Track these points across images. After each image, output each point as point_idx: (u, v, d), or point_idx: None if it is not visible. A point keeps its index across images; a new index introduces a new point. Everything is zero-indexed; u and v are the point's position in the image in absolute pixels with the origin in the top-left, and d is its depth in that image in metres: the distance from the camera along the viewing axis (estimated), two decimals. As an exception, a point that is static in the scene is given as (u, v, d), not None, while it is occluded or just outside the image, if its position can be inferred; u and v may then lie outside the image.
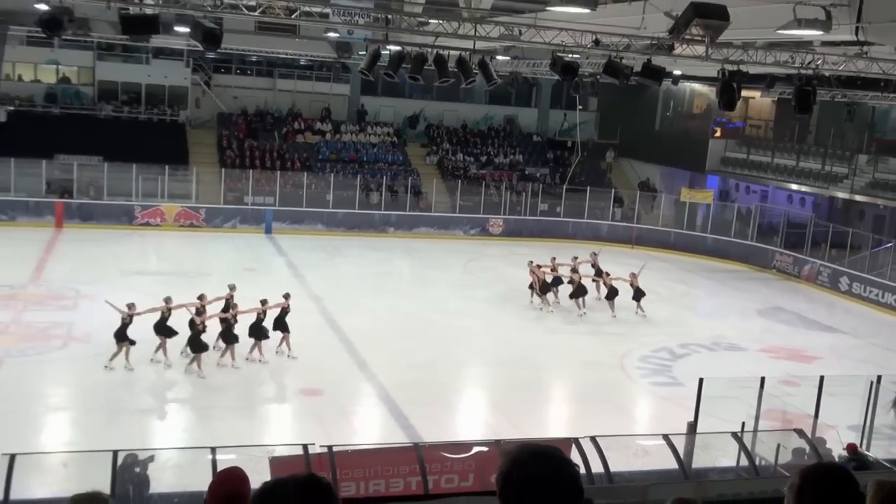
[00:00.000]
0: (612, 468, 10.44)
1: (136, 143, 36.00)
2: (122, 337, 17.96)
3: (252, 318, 19.01)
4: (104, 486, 9.97)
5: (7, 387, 16.91)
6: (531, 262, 26.14)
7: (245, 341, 18.88)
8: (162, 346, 18.40)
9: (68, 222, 33.26)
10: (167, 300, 18.68)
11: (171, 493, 11.00)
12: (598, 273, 26.82)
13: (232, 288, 19.73)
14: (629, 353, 21.86)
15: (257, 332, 19.00)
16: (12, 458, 9.38)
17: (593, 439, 10.50)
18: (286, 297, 19.56)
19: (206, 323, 18.34)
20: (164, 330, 18.40)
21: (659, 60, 17.62)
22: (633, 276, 25.68)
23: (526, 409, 17.81)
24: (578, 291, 25.07)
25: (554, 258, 26.61)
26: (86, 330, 20.59)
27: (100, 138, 35.79)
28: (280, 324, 19.38)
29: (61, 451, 13.64)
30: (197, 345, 18.07)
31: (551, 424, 17.54)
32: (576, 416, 17.76)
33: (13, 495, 9.15)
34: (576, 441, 10.35)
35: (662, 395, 19.18)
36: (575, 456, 10.01)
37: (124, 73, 40.31)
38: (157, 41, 27.99)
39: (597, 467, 10.23)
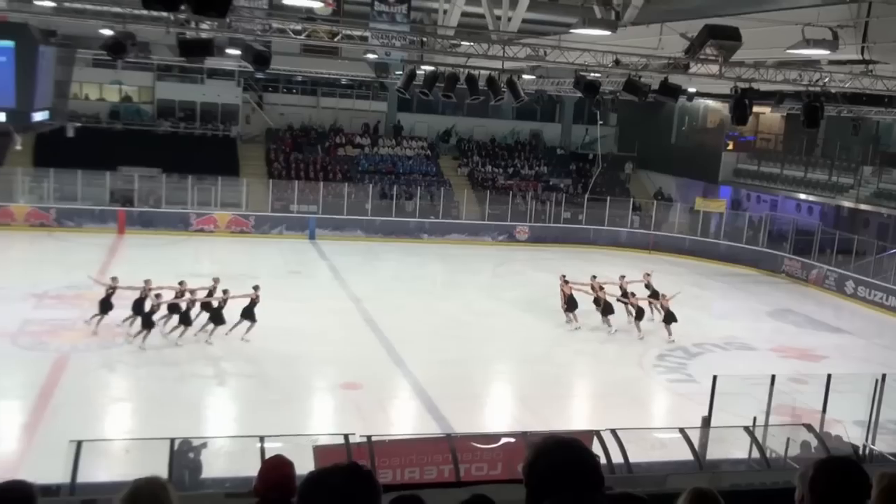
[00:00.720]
0: (632, 459, 10.38)
1: (192, 156, 36.34)
2: (105, 307, 19.91)
3: (244, 303, 20.24)
4: (162, 471, 10.06)
5: (74, 379, 17.19)
6: (563, 276, 24.12)
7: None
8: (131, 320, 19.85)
9: (130, 229, 33.64)
10: (147, 282, 20.02)
11: (223, 478, 11.03)
12: (654, 295, 24.24)
13: (216, 280, 20.83)
14: (647, 352, 21.71)
15: (217, 318, 19.95)
16: (79, 444, 9.47)
17: (613, 432, 10.44)
18: (255, 288, 20.44)
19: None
20: (137, 309, 19.73)
21: (675, 79, 17.51)
22: (665, 298, 23.32)
23: (550, 403, 17.76)
24: (606, 310, 23.07)
25: (594, 276, 24.38)
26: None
27: (158, 152, 36.15)
28: (248, 313, 20.14)
29: (123, 438, 13.79)
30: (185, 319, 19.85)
31: (574, 418, 17.47)
32: (597, 411, 17.66)
33: (79, 479, 9.24)
34: (597, 433, 10.30)
35: (678, 392, 19.03)
36: (596, 447, 9.96)
37: (181, 93, 40.70)
38: (211, 63, 28.24)
39: (617, 458, 10.17)
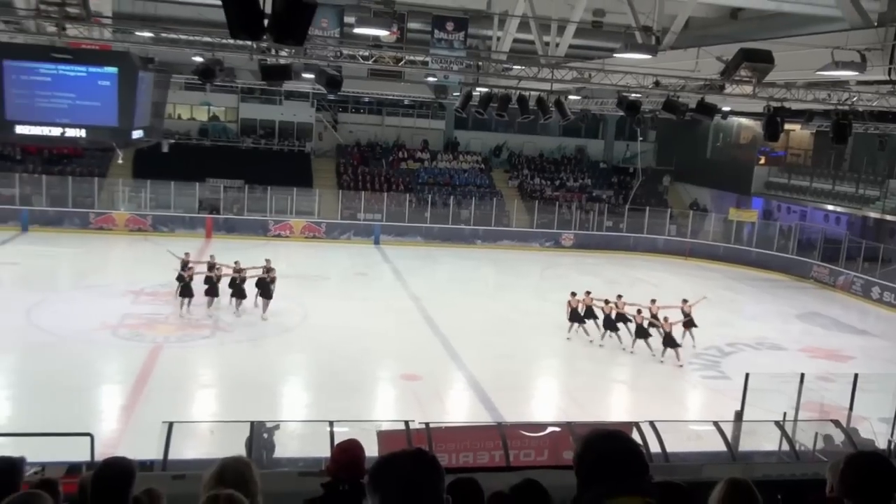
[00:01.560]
0: (669, 449, 10.20)
1: (271, 169, 36.89)
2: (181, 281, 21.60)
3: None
4: (242, 450, 10.20)
5: (166, 367, 17.49)
6: (588, 293, 21.77)
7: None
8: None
9: (216, 234, 34.24)
10: (212, 256, 22.75)
11: (296, 458, 11.10)
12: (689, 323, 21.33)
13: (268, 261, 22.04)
14: (682, 351, 21.31)
15: (239, 292, 21.52)
16: (170, 425, 9.59)
17: (652, 423, 10.27)
18: (267, 261, 21.82)
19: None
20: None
21: (711, 98, 17.20)
22: (687, 304, 21.42)
23: (592, 396, 17.57)
24: (642, 333, 20.50)
25: (620, 296, 21.44)
26: (229, 321, 21.15)
27: (241, 165, 36.76)
28: (263, 288, 21.50)
29: (208, 420, 13.97)
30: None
31: (614, 409, 17.23)
32: (636, 403, 17.39)
33: (170, 456, 9.40)
34: (636, 425, 10.13)
35: (712, 388, 18.65)
36: (636, 437, 9.83)
37: (262, 112, 41.37)
38: (289, 85, 28.62)
39: (655, 448, 10.01)
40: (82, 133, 13.01)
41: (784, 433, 11.55)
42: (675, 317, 20.89)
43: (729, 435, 11.12)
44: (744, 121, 36.98)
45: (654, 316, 20.64)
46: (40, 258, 28.49)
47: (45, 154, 35.66)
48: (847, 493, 2.71)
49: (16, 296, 22.48)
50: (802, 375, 13.17)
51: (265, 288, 21.48)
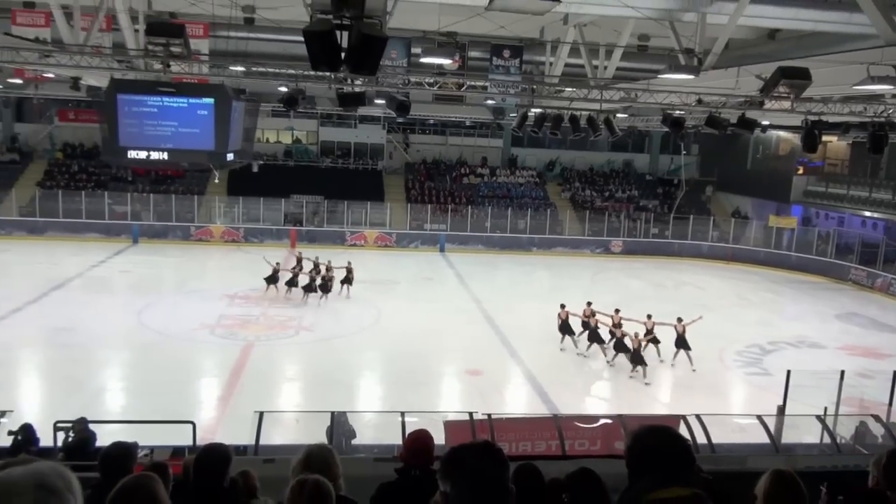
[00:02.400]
0: (714, 441, 9.93)
1: (347, 185, 37.42)
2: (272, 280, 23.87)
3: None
4: (323, 437, 10.32)
5: (257, 363, 17.82)
6: (563, 304, 19.98)
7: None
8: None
9: (299, 243, 34.72)
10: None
11: (371, 445, 11.19)
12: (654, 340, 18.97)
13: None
14: (726, 348, 20.76)
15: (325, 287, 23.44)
16: (261, 414, 9.76)
17: (698, 416, 10.02)
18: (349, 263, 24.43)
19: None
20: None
21: (751, 113, 16.73)
22: (681, 323, 18.97)
23: (641, 390, 17.21)
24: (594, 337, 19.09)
25: (618, 310, 19.37)
26: (311, 322, 21.45)
27: (321, 183, 37.40)
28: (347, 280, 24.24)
29: (294, 410, 14.19)
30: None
31: (662, 404, 16.87)
32: (682, 397, 16.98)
33: (261, 442, 9.57)
34: (683, 418, 9.91)
35: (755, 383, 18.10)
36: (683, 430, 9.59)
37: (339, 135, 41.98)
38: (363, 111, 29.04)
39: (701, 439, 9.75)
40: (184, 156, 13.42)
41: (825, 427, 11.13)
42: (669, 335, 18.82)
43: (772, 428, 10.77)
44: (782, 133, 35.90)
45: (650, 331, 18.67)
46: (148, 267, 29.45)
47: (152, 175, 36.91)
48: (890, 486, 2.59)
49: (128, 300, 23.27)
50: (843, 372, 12.68)
51: (348, 280, 24.66)
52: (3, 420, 9.33)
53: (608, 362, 18.76)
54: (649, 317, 19.11)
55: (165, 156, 13.11)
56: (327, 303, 23.31)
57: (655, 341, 18.86)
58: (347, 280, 24.72)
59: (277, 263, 24.42)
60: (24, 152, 38.44)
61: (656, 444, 2.34)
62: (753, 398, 16.87)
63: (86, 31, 14.56)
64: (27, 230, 33.44)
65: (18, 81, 23.51)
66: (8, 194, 34.46)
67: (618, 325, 18.80)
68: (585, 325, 19.69)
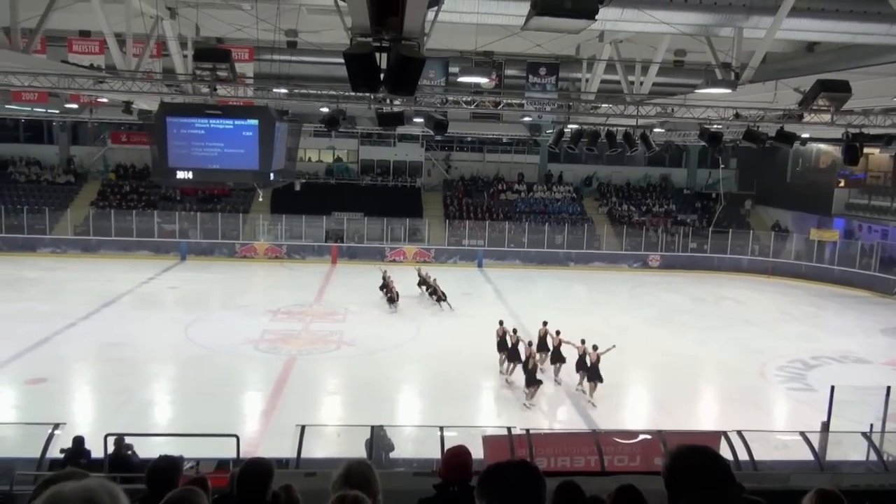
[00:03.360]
0: (756, 458, 9.65)
1: (386, 202, 37.69)
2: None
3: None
4: (363, 451, 10.31)
5: (299, 376, 17.94)
6: (501, 321, 19.41)
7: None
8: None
9: (340, 260, 35.15)
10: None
11: (410, 459, 11.17)
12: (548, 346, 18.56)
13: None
14: (768, 363, 20.27)
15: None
16: (303, 427, 9.81)
17: (739, 433, 9.76)
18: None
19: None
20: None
21: (790, 127, 16.40)
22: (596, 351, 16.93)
23: (680, 406, 16.88)
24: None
25: (559, 331, 18.47)
26: (352, 337, 21.55)
27: (361, 200, 37.72)
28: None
29: (335, 423, 14.26)
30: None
31: (702, 419, 16.48)
32: (723, 413, 16.60)
33: (303, 455, 9.61)
34: (724, 434, 9.68)
35: (798, 399, 17.60)
36: (724, 447, 9.37)
37: (378, 154, 42.33)
38: (401, 129, 29.27)
39: (742, 456, 9.50)
40: (230, 176, 13.68)
41: (871, 444, 10.76)
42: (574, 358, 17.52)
43: (816, 445, 10.44)
44: (822, 146, 35.11)
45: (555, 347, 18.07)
46: (195, 283, 29.98)
47: (199, 194, 37.68)
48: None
49: (176, 315, 23.69)
50: (889, 388, 12.25)
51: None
52: (57, 432, 9.54)
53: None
54: (558, 333, 18.18)
55: (212, 176, 13.37)
56: (368, 318, 23.34)
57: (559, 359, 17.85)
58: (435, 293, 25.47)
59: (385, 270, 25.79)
60: (78, 174, 39.63)
61: (695, 464, 2.29)
62: (796, 414, 16.40)
63: (137, 57, 14.99)
64: (81, 248, 34.38)
65: (74, 106, 24.34)
66: (63, 214, 35.51)
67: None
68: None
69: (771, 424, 15.74)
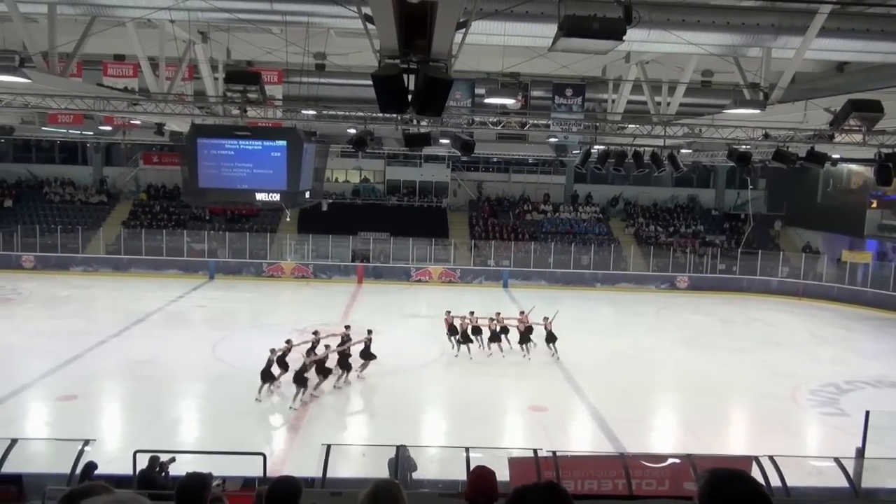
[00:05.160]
0: (789, 483, 9.43)
1: (412, 223, 37.82)
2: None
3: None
4: (386, 471, 10.27)
5: (324, 396, 17.87)
6: (448, 311, 22.14)
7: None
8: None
9: (366, 280, 35.26)
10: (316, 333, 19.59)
11: (436, 480, 11.10)
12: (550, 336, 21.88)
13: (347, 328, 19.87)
14: (799, 387, 19.86)
15: (345, 364, 18.60)
16: (328, 447, 9.82)
17: (771, 458, 9.55)
18: (369, 332, 19.67)
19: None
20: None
21: (821, 147, 16.23)
22: (546, 320, 21.87)
23: (709, 429, 16.57)
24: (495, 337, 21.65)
25: (498, 312, 22.40)
26: (377, 356, 21.49)
27: (388, 220, 37.89)
28: (366, 354, 19.22)
29: (360, 443, 14.23)
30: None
31: (731, 443, 16.13)
32: (753, 437, 16.28)
33: (328, 474, 9.59)
34: (756, 459, 9.48)
35: (831, 424, 17.19)
36: (755, 471, 9.18)
37: (405, 174, 42.57)
38: (427, 150, 29.44)
39: (775, 482, 9.28)
40: (258, 196, 13.84)
41: (909, 471, 10.48)
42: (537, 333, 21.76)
43: (851, 471, 10.17)
44: (854, 166, 34.60)
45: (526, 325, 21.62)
46: (224, 301, 30.26)
47: (227, 214, 38.17)
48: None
49: (204, 334, 23.91)
50: (926, 414, 11.95)
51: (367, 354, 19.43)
52: (87, 448, 9.64)
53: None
54: (498, 314, 21.96)
55: (241, 196, 13.55)
56: (393, 338, 23.32)
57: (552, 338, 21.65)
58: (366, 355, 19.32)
59: (288, 341, 18.51)
60: (111, 194, 40.41)
61: (731, 491, 2.23)
62: (830, 440, 16.02)
63: (170, 80, 15.33)
64: (112, 267, 34.94)
65: (108, 128, 24.87)
66: (96, 233, 36.16)
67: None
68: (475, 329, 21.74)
69: (803, 450, 15.39)
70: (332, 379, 18.28)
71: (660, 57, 14.79)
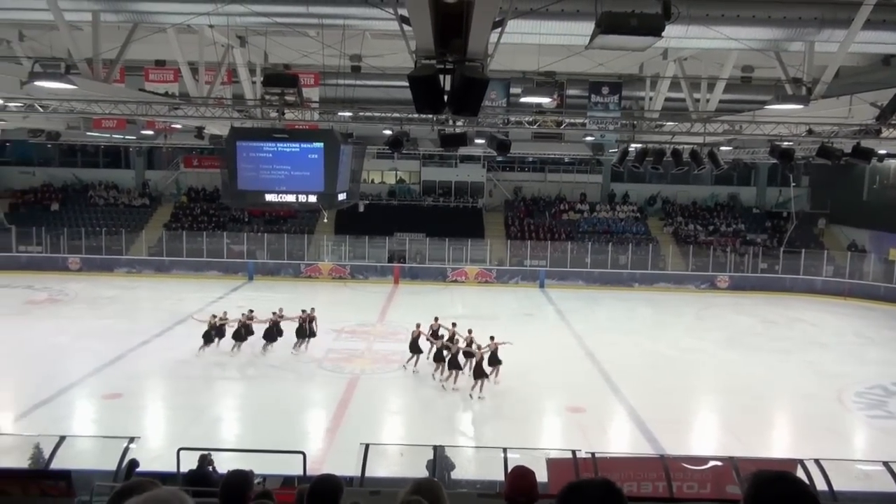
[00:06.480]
0: (836, 488, 9.20)
1: (448, 223, 37.86)
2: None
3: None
4: (425, 471, 10.29)
5: (362, 395, 18.07)
6: (418, 324, 20.29)
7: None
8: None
9: (402, 280, 35.39)
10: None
11: (474, 480, 11.07)
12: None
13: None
14: (846, 389, 19.38)
15: (271, 335, 21.46)
16: (367, 446, 9.80)
17: (817, 461, 9.32)
18: (303, 311, 21.49)
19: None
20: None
21: (867, 142, 15.81)
22: (493, 341, 18.86)
23: (752, 431, 16.24)
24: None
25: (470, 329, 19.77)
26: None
27: (423, 221, 37.99)
28: (302, 331, 21.27)
29: (398, 443, 14.23)
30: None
31: (776, 446, 15.83)
32: (797, 440, 15.93)
33: (367, 473, 9.63)
34: (801, 462, 9.27)
35: (879, 427, 16.76)
36: (800, 475, 8.97)
37: (440, 175, 42.64)
38: (463, 150, 29.43)
39: (821, 486, 9.05)
40: (296, 198, 13.98)
41: (962, 476, 10.11)
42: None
43: (900, 477, 9.88)
44: (902, 162, 33.66)
45: (470, 344, 19.01)
46: (262, 302, 30.54)
47: (266, 216, 38.67)
48: None
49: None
50: (980, 417, 11.55)
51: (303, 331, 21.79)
52: (132, 446, 9.85)
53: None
54: (470, 331, 19.57)
55: (280, 197, 13.71)
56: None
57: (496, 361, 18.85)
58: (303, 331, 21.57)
59: (213, 316, 21.80)
60: (153, 197, 41.27)
61: (780, 493, 2.17)
62: (878, 443, 15.63)
63: (209, 84, 15.59)
64: (155, 268, 35.67)
65: (150, 132, 25.41)
66: (139, 236, 36.96)
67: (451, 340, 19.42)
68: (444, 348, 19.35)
69: (850, 453, 15.03)
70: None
71: (698, 53, 14.57)
